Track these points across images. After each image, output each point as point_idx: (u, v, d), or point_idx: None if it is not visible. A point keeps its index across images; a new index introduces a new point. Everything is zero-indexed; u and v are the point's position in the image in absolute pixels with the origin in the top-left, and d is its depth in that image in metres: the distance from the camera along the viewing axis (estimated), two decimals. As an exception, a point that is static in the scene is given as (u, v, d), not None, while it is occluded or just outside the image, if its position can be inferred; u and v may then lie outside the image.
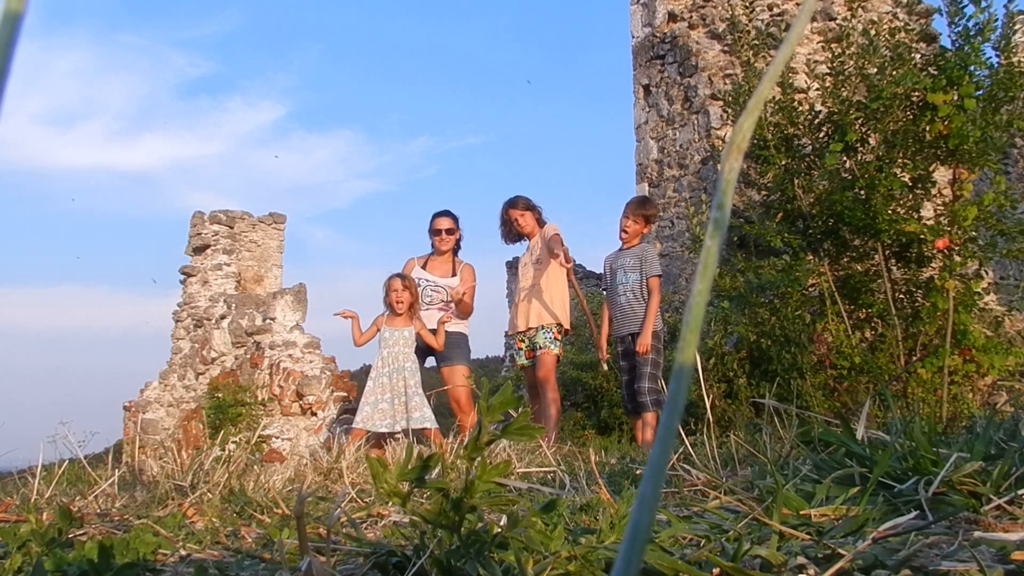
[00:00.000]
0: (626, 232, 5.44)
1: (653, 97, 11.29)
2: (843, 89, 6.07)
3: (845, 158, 6.01)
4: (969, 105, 5.39)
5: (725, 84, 9.65)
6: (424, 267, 5.86)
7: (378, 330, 5.41)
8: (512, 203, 5.78)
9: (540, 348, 5.48)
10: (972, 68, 5.49)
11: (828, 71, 6.20)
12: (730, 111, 7.31)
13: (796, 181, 6.18)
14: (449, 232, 5.83)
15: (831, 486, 1.28)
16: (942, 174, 5.99)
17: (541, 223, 5.75)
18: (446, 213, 5.93)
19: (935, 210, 5.84)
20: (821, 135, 6.27)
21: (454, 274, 5.82)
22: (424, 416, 5.20)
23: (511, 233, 5.81)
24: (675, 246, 10.46)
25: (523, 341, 5.66)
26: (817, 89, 6.36)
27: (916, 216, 5.85)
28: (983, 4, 5.39)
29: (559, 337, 5.55)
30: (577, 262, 5.96)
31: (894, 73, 5.76)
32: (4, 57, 0.28)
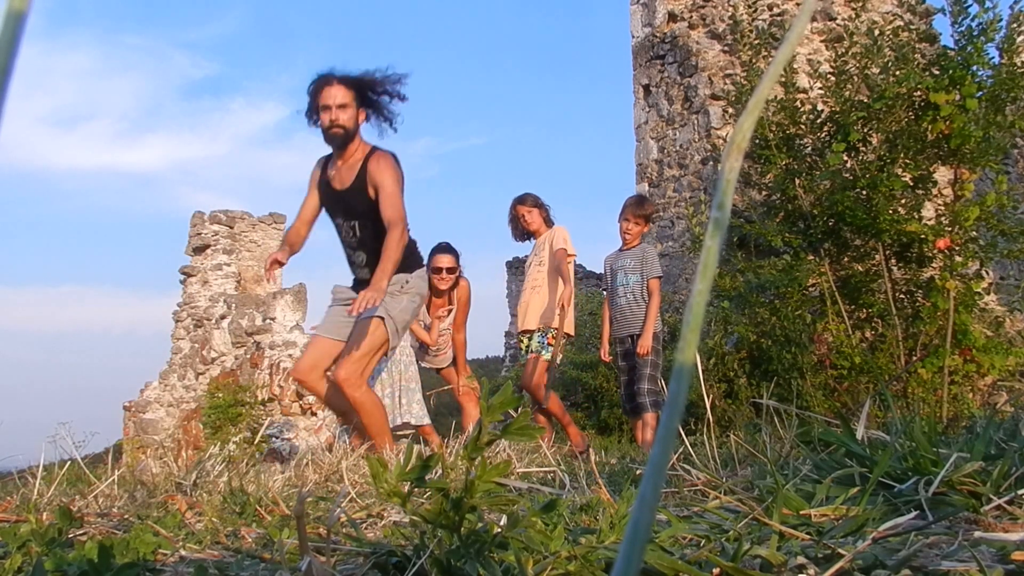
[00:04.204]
0: (628, 234, 5.44)
1: (653, 97, 11.29)
2: (845, 89, 6.07)
3: (846, 158, 6.01)
4: (971, 105, 5.39)
5: (725, 84, 9.66)
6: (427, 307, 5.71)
7: None
8: (520, 200, 5.68)
9: (531, 352, 5.39)
10: (975, 68, 5.49)
11: (830, 71, 6.20)
12: (732, 111, 7.32)
13: (797, 181, 6.18)
14: (450, 271, 5.61)
15: (831, 486, 1.28)
16: (943, 174, 5.99)
17: (549, 223, 5.65)
18: (447, 249, 5.68)
19: (936, 210, 5.84)
20: (822, 135, 6.27)
21: (450, 303, 5.75)
22: (412, 412, 5.15)
23: (519, 230, 5.68)
24: (675, 246, 10.46)
25: (522, 341, 5.62)
26: (820, 88, 6.36)
27: (917, 216, 5.85)
28: (987, 4, 5.40)
29: (554, 342, 5.41)
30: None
31: (897, 73, 5.76)
32: (8, 56, 0.28)
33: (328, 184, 3.92)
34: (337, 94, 3.75)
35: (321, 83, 3.79)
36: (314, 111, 3.81)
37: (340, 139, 3.80)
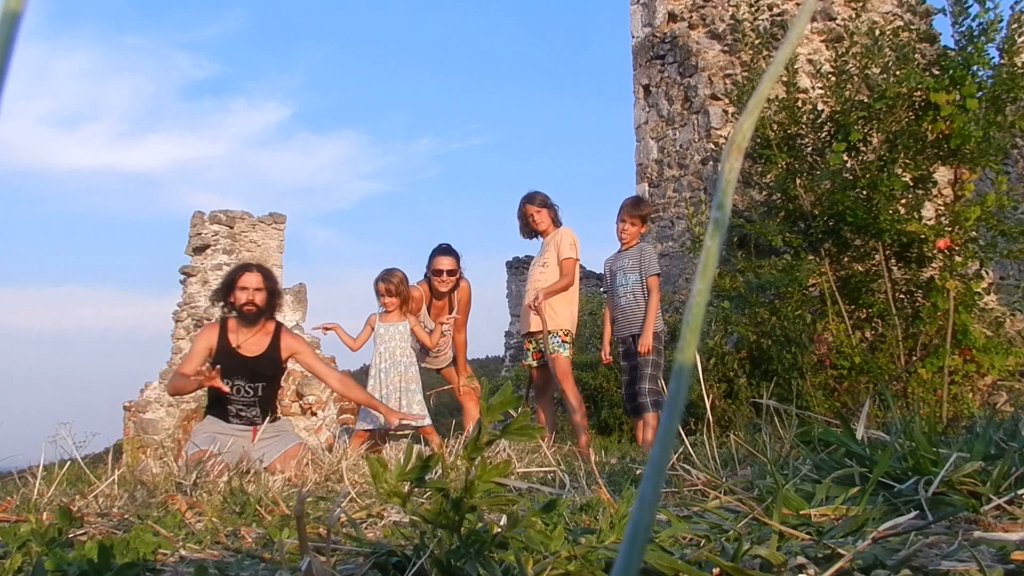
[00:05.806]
0: (625, 235, 5.44)
1: (653, 97, 11.29)
2: (846, 89, 6.07)
3: (846, 158, 6.01)
4: (971, 105, 5.40)
5: (725, 84, 9.65)
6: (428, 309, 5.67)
7: (372, 329, 5.39)
8: (529, 198, 5.66)
9: (551, 353, 5.39)
10: (975, 68, 5.49)
11: (831, 71, 6.20)
12: (732, 111, 7.32)
13: (798, 181, 6.18)
14: (451, 273, 5.55)
15: (831, 486, 1.28)
16: (943, 174, 5.99)
17: (557, 223, 5.64)
18: (448, 251, 5.63)
19: (936, 210, 5.84)
20: (823, 134, 6.26)
21: (451, 309, 5.72)
22: (413, 412, 5.14)
23: (527, 228, 5.67)
24: (675, 246, 10.46)
25: (531, 343, 5.61)
26: (820, 88, 6.36)
27: (917, 216, 5.85)
28: (988, 5, 5.40)
29: (567, 340, 5.44)
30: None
31: (897, 73, 5.76)
32: (3, 57, 0.28)
33: (234, 352, 4.49)
34: (256, 280, 4.55)
35: (243, 270, 4.61)
36: (231, 290, 4.53)
37: (252, 316, 4.52)
